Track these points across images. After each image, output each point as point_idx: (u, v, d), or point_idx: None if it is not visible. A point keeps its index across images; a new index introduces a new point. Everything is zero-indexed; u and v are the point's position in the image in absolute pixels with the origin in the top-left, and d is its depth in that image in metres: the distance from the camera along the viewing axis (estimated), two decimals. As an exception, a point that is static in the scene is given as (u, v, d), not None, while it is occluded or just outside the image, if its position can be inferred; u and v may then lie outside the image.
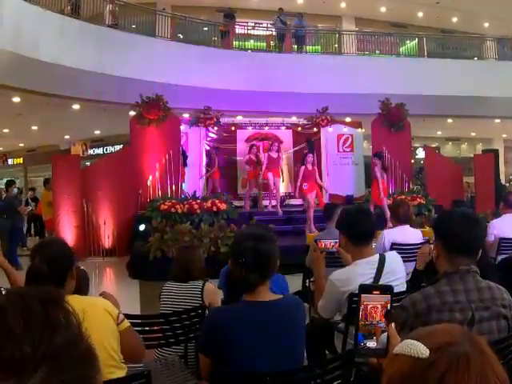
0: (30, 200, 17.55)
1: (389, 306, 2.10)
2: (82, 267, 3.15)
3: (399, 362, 1.00)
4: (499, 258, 5.77)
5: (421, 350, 0.97)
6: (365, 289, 2.16)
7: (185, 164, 13.25)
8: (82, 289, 2.98)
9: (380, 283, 3.08)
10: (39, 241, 3.28)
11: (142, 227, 10.70)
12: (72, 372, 0.70)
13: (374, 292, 2.12)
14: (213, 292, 3.93)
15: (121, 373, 2.48)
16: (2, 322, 0.71)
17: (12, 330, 0.70)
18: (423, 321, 2.15)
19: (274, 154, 13.20)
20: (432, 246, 4.42)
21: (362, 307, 2.09)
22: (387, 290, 2.16)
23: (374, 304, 2.10)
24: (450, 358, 0.94)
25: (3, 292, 2.58)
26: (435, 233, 2.46)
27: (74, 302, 2.39)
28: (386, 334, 1.92)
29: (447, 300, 2.19)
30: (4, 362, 0.67)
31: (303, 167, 11.70)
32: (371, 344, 1.87)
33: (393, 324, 1.86)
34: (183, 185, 13.07)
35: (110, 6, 15.63)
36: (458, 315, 2.17)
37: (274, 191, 13.30)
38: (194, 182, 13.91)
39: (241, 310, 2.40)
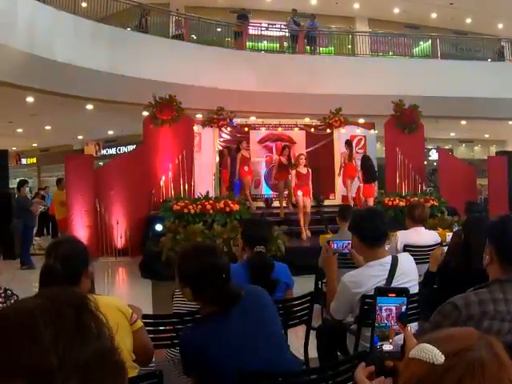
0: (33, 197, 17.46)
1: (404, 308, 2.09)
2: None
3: (414, 366, 0.99)
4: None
5: (436, 355, 0.96)
6: (381, 291, 2.15)
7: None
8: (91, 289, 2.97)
9: (392, 285, 3.07)
10: (54, 239, 3.26)
11: (159, 227, 10.72)
12: None
13: (390, 294, 2.11)
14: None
15: (133, 372, 2.46)
16: (31, 327, 0.68)
17: (41, 337, 0.66)
18: (476, 325, 2.07)
19: (303, 170, 11.61)
20: (444, 248, 4.42)
21: (376, 309, 2.08)
22: (403, 292, 2.15)
23: (389, 306, 2.09)
24: (465, 364, 0.94)
25: (8, 293, 2.53)
26: (489, 236, 2.35)
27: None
28: (400, 335, 1.91)
29: (500, 309, 2.14)
30: (31, 369, 0.64)
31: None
32: (387, 347, 1.87)
33: (409, 326, 1.85)
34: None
35: (175, 17, 16.96)
36: (506, 325, 2.14)
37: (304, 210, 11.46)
38: (206, 182, 13.90)
39: (208, 324, 2.38)
